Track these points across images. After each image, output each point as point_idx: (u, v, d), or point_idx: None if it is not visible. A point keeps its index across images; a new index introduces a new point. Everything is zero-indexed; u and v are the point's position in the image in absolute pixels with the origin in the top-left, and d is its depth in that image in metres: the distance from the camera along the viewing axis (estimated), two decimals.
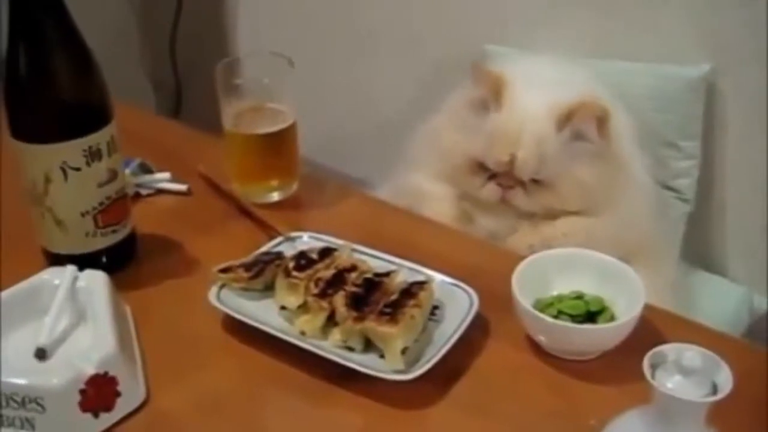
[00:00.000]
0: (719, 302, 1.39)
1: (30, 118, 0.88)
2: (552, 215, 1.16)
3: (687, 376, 0.65)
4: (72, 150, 0.88)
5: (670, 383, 0.65)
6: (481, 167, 1.16)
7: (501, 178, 1.15)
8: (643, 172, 1.22)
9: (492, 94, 1.15)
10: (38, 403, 0.74)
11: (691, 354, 0.65)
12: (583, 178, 1.14)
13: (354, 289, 0.86)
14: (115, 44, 1.97)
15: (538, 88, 1.16)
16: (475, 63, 1.19)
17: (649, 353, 0.67)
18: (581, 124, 1.12)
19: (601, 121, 1.12)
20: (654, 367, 0.67)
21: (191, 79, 2.06)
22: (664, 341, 0.74)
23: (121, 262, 0.97)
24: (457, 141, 1.18)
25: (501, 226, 1.18)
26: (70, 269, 0.87)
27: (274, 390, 0.85)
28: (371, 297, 0.86)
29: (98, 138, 0.89)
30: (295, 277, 0.88)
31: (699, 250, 1.46)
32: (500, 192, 1.15)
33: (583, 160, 1.14)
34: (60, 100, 0.88)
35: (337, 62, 1.77)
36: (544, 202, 1.14)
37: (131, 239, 0.98)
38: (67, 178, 0.89)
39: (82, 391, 0.76)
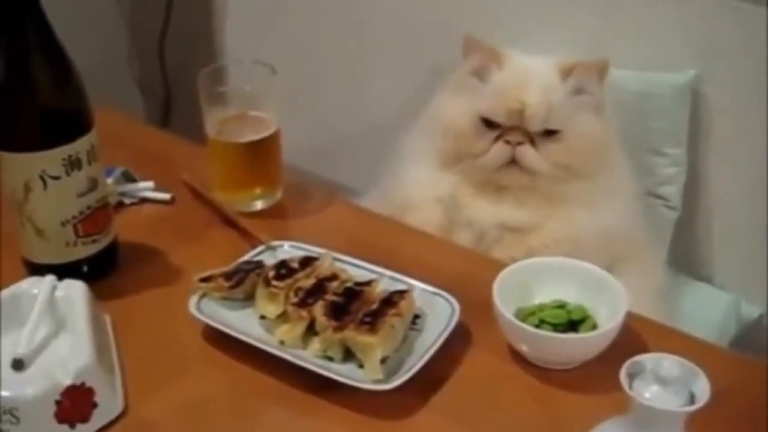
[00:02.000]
0: (706, 310, 1.38)
1: (7, 126, 0.87)
2: (539, 218, 1.16)
3: (665, 385, 0.65)
4: (51, 159, 0.88)
5: (647, 393, 0.65)
6: (487, 127, 1.15)
7: (509, 135, 1.14)
8: (629, 178, 1.22)
9: (492, 59, 1.16)
10: (13, 415, 0.74)
11: (669, 363, 0.65)
12: (589, 128, 1.16)
13: (334, 298, 0.86)
14: (104, 52, 1.97)
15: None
16: (468, 35, 1.19)
17: (627, 363, 0.67)
18: (583, 77, 1.15)
19: (602, 71, 1.15)
20: (632, 376, 0.67)
21: (180, 86, 2.06)
22: (646, 350, 0.74)
23: (102, 271, 0.96)
24: (460, 106, 1.18)
25: (490, 223, 1.17)
26: (49, 279, 0.86)
27: (254, 400, 0.84)
28: (351, 306, 0.85)
29: (78, 147, 0.89)
30: (275, 287, 0.87)
31: (686, 257, 1.45)
32: (510, 150, 1.14)
33: (588, 111, 1.16)
34: (38, 108, 0.88)
35: (323, 69, 1.77)
36: (554, 157, 1.14)
37: (112, 248, 0.98)
38: (46, 187, 0.89)
39: (58, 402, 0.75)
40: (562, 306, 0.88)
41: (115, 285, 0.96)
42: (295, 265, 0.91)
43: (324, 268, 0.92)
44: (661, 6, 1.34)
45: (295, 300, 0.86)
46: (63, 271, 0.90)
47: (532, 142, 1.14)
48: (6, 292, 0.86)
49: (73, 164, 0.89)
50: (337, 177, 1.68)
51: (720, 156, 1.38)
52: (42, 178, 0.88)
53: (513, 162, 1.15)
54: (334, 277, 0.90)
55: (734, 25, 1.28)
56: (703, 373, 0.66)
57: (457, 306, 0.88)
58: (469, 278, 0.94)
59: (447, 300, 0.89)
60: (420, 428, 0.80)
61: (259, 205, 1.10)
